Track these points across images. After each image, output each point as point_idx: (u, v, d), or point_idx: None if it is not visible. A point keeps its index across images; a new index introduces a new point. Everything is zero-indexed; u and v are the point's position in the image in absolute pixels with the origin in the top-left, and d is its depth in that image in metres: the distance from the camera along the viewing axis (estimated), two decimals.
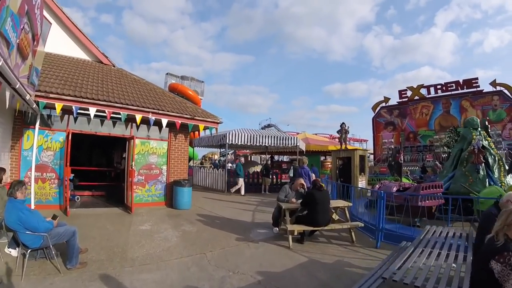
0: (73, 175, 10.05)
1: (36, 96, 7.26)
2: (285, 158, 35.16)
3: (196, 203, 10.75)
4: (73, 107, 8.00)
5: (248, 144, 16.13)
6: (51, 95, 7.65)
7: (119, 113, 8.63)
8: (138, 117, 8.85)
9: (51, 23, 10.67)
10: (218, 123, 10.62)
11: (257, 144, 16.24)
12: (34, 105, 7.05)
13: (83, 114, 8.54)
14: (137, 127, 9.79)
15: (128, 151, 9.42)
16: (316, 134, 35.41)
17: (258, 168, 18.44)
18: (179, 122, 9.63)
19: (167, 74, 29.16)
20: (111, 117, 8.75)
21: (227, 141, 15.27)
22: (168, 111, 9.38)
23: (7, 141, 8.03)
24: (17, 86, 4.84)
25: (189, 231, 7.17)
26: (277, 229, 7.37)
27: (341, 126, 16.00)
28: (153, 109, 9.13)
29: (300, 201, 6.95)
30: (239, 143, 15.79)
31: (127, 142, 9.58)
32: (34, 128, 8.38)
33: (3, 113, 7.38)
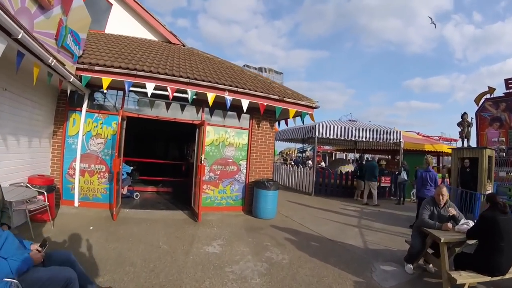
0: (132, 167, 8.66)
1: (78, 69, 5.93)
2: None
3: (281, 209, 8.38)
4: (125, 83, 6.24)
5: (342, 138, 13.22)
6: (96, 68, 6.08)
7: (186, 91, 6.65)
8: (211, 97, 6.73)
9: (111, 4, 9.87)
10: (313, 107, 8.05)
11: (352, 138, 13.28)
12: (72, 78, 5.49)
13: (139, 93, 6.91)
14: (211, 112, 7.84)
15: (198, 141, 7.36)
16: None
17: (349, 168, 15.44)
18: (264, 104, 7.28)
19: (244, 65, 27.59)
20: (176, 98, 6.91)
21: (316, 134, 12.61)
22: (249, 90, 7.09)
23: (49, 125, 6.80)
24: (19, 36, 3.35)
25: (279, 262, 4.72)
26: (411, 267, 4.72)
27: (462, 117, 12.20)
28: (231, 86, 6.92)
29: (460, 226, 4.24)
30: (330, 137, 13.00)
31: (197, 130, 7.54)
32: (81, 110, 6.93)
33: (42, 93, 6.12)
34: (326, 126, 12.71)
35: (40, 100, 6.16)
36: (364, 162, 13.31)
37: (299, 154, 26.74)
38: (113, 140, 7.06)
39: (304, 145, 18.58)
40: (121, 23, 9.97)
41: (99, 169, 7.10)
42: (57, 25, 4.84)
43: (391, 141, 13.80)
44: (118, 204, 6.76)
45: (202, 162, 6.77)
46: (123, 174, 8.18)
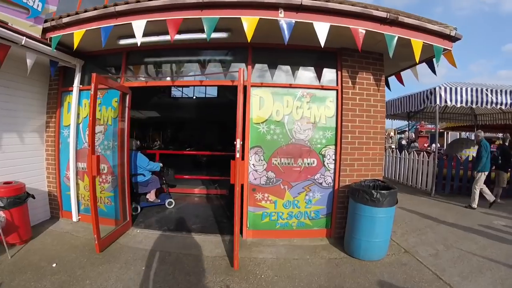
0: (160, 164, 6.22)
1: (47, 31, 4.14)
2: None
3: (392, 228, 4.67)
4: (101, 31, 3.76)
5: (474, 105, 8.50)
6: (65, 20, 3.96)
7: (200, 27, 3.44)
8: (248, 23, 3.36)
9: None
10: (452, 38, 4.02)
11: (487, 105, 8.40)
12: (24, 40, 3.73)
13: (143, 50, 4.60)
14: (263, 63, 4.45)
15: (243, 117, 4.00)
16: None
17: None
18: (360, 31, 3.55)
19: None
20: (194, 45, 4.39)
21: (437, 102, 8.25)
22: (327, 1, 3.45)
23: (39, 115, 5.01)
24: None
25: None
26: None
27: None
28: None
29: None
30: (458, 105, 8.41)
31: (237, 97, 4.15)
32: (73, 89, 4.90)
33: (25, 76, 4.45)
34: (451, 89, 8.26)
35: (20, 84, 4.58)
36: (506, 143, 8.54)
37: (400, 136, 21.52)
38: (114, 125, 4.57)
39: (410, 122, 13.75)
40: None
41: (100, 170, 4.47)
42: None
43: None
44: (124, 222, 4.53)
45: (238, 153, 3.34)
46: (143, 175, 5.85)
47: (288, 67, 4.44)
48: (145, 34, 3.57)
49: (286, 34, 3.35)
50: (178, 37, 3.65)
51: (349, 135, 4.37)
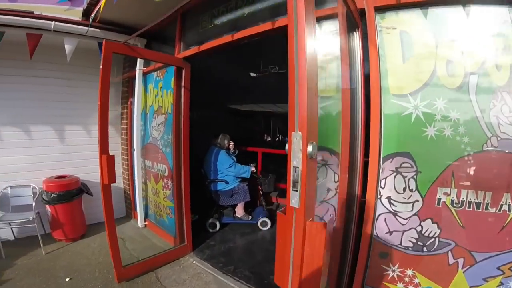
0: (251, 168, 4.52)
1: (87, 12, 3.67)
2: None
3: None
4: None
5: None
6: None
7: None
8: None
9: None
10: None
11: None
12: (54, 24, 3.41)
13: None
14: None
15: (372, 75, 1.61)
16: None
17: None
18: None
19: None
20: None
21: None
22: None
23: (114, 106, 4.42)
24: None
25: None
26: None
27: None
28: None
29: None
30: None
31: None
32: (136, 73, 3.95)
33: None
34: None
35: (84, 75, 4.21)
36: None
37: None
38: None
39: None
40: None
41: (161, 171, 3.70)
42: None
43: None
44: (180, 245, 3.47)
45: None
46: (225, 182, 4.29)
47: None
48: None
49: None
50: None
51: None
